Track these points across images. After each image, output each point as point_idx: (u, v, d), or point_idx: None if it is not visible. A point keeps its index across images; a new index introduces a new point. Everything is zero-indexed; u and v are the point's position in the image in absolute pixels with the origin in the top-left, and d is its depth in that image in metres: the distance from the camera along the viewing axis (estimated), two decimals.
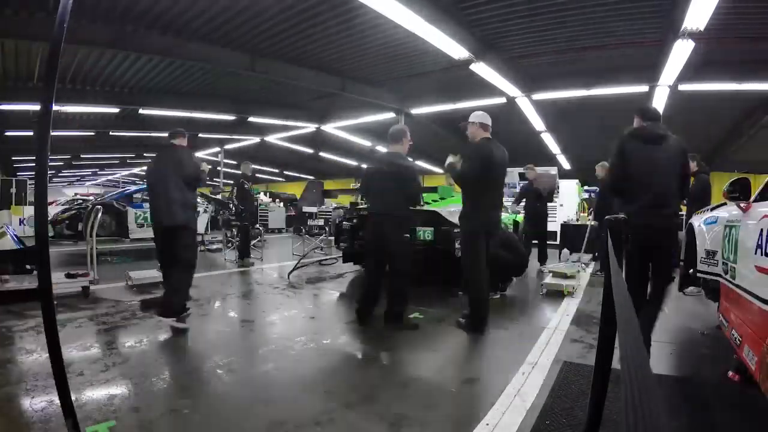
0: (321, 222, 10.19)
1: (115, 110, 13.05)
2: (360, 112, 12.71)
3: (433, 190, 6.31)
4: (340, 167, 24.46)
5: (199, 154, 23.43)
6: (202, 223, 10.89)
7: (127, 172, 32.18)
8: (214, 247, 10.95)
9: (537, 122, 11.99)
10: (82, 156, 23.08)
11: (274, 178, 33.64)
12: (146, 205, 10.17)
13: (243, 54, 8.79)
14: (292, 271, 7.19)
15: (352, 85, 10.31)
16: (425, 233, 5.93)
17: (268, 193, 20.07)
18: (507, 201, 8.09)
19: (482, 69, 7.79)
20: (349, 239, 6.81)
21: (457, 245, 5.74)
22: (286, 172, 30.22)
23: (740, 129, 12.42)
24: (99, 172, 32.51)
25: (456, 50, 7.01)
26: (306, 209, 14.88)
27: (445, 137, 14.92)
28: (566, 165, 16.89)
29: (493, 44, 7.80)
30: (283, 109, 13.55)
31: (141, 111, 12.83)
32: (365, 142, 16.82)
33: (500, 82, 8.63)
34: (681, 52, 7.10)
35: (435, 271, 6.28)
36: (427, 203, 6.58)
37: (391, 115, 12.04)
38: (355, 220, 6.91)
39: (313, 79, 9.73)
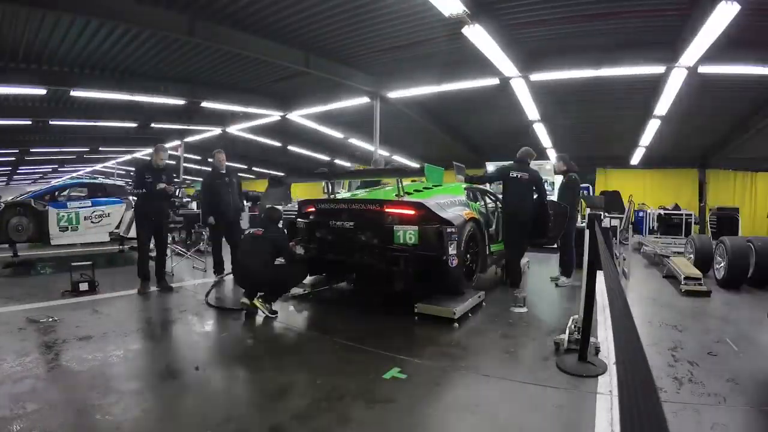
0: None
1: (42, 91, 11.01)
2: (329, 96, 11.06)
3: (418, 171, 4.75)
4: (312, 162, 22.75)
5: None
6: None
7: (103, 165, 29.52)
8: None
9: (531, 110, 10.59)
10: (32, 150, 20.98)
11: (243, 174, 31.77)
12: (71, 204, 8.39)
13: (179, 14, 7.01)
14: (209, 291, 5.53)
15: (317, 60, 8.63)
16: (406, 234, 4.33)
17: None
18: None
19: (477, 34, 6.26)
20: (304, 242, 5.13)
21: (451, 250, 4.27)
22: (255, 168, 28.41)
23: (747, 122, 11.39)
24: (59, 169, 30.01)
25: (447, 1, 5.43)
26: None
27: (426, 127, 13.42)
28: (555, 159, 15.68)
29: (491, 5, 6.29)
30: (241, 93, 11.80)
31: (73, 93, 10.84)
32: (336, 134, 15.16)
33: (496, 55, 7.14)
34: (719, 19, 5.79)
35: (420, 288, 4.66)
36: (408, 193, 4.99)
37: (364, 99, 10.43)
38: (312, 217, 5.27)
39: (268, 50, 8.01)
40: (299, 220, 5.40)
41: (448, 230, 4.31)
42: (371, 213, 4.67)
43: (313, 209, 5.35)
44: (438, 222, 4.36)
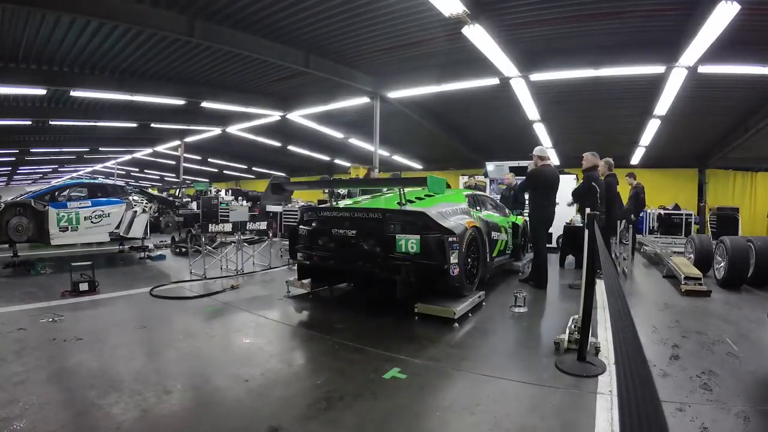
0: (261, 225, 8.17)
1: (42, 91, 11.02)
2: (329, 96, 11.07)
3: (421, 182, 4.70)
4: (312, 162, 22.76)
5: (159, 148, 21.44)
6: (141, 224, 9.06)
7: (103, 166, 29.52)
8: (156, 254, 9.12)
9: (531, 110, 10.59)
10: (32, 150, 21.09)
11: (243, 174, 31.80)
12: (71, 204, 8.36)
13: (179, 14, 7.02)
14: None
15: (317, 60, 8.64)
16: (408, 243, 4.36)
17: (230, 191, 18.15)
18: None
19: (477, 34, 6.27)
20: (305, 249, 5.15)
21: (452, 259, 4.28)
22: (255, 168, 28.43)
23: (747, 122, 11.40)
24: (59, 169, 30.09)
25: (447, 1, 5.43)
26: (270, 208, 13.23)
27: (427, 127, 13.43)
28: (556, 160, 15.71)
29: (491, 5, 6.30)
30: (241, 93, 11.82)
31: (73, 93, 10.85)
32: (336, 134, 15.16)
33: (496, 55, 7.16)
34: (719, 19, 5.79)
35: (422, 295, 4.64)
36: (411, 201, 5.00)
37: (364, 99, 10.45)
38: (314, 224, 5.24)
39: (268, 50, 8.02)
40: (301, 227, 5.36)
41: (450, 239, 4.34)
42: (374, 221, 4.70)
43: (315, 216, 5.33)
44: (440, 231, 4.40)
